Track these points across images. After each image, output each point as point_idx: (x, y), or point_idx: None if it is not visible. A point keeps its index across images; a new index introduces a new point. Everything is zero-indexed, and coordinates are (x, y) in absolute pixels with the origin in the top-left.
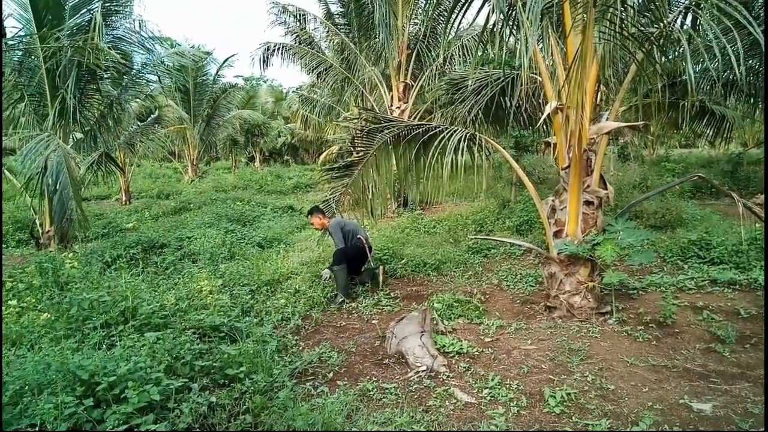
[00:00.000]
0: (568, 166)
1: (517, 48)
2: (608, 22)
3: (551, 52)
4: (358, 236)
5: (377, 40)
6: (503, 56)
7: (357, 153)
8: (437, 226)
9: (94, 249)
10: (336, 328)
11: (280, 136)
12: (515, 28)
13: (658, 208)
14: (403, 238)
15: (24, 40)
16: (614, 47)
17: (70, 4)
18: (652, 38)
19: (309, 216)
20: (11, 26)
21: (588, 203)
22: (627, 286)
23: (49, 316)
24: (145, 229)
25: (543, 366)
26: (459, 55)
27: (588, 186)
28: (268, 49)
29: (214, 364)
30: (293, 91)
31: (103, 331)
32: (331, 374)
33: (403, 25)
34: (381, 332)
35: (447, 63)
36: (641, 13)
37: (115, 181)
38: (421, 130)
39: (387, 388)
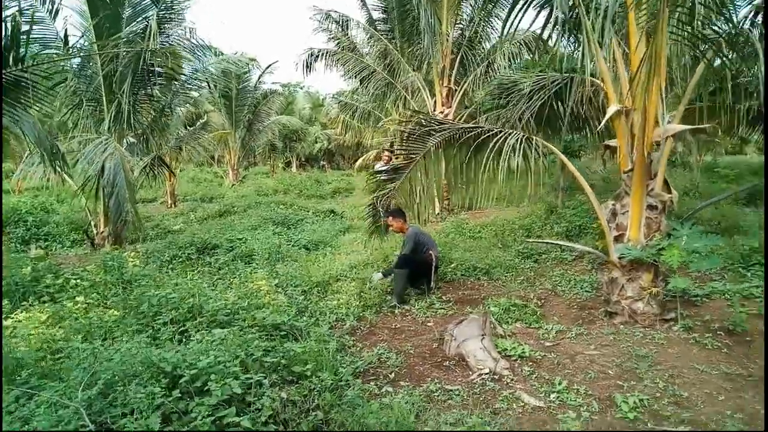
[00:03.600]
0: (631, 170)
1: (573, 50)
2: (677, 21)
3: (612, 54)
4: (430, 252)
5: (420, 45)
6: (563, 59)
7: (404, 156)
8: (482, 231)
9: (150, 249)
10: (391, 329)
11: (317, 142)
12: (576, 29)
13: (713, 216)
14: (449, 242)
15: (84, 47)
16: (682, 47)
17: (126, 14)
18: (723, 37)
19: (389, 217)
20: (72, 34)
21: (651, 207)
22: (689, 293)
23: (115, 312)
24: (191, 232)
25: (609, 372)
26: (505, 59)
27: (652, 189)
28: (312, 55)
29: (281, 361)
30: (332, 97)
31: (173, 327)
32: (393, 375)
33: (448, 31)
34: (438, 334)
35: (491, 68)
36: (709, 8)
37: (162, 184)
38: (473, 133)
39: (451, 390)
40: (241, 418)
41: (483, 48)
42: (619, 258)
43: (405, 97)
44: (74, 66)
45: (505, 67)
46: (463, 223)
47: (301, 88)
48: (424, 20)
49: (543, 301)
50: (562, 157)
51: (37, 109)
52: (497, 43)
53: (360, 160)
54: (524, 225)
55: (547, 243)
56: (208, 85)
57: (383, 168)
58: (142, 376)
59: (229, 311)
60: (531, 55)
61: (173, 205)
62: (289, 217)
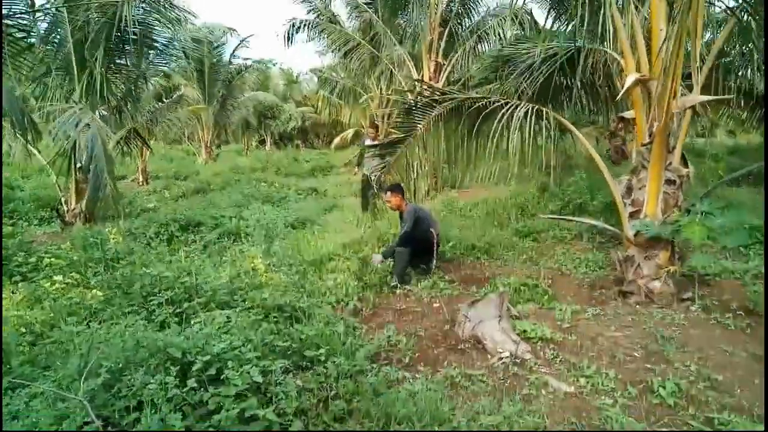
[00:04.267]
0: (650, 142)
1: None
2: None
3: (631, 20)
4: (431, 229)
5: (406, 18)
6: (575, 27)
7: (402, 129)
8: (474, 210)
9: (128, 227)
10: (395, 311)
11: (291, 120)
12: None
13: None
14: (443, 221)
15: (53, 10)
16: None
17: None
18: None
19: (389, 192)
20: None
21: (669, 182)
22: (700, 271)
23: (98, 292)
24: (172, 209)
25: (636, 354)
26: (497, 32)
27: (670, 163)
28: (293, 26)
29: (292, 345)
30: (309, 71)
31: (169, 308)
32: (407, 359)
33: (436, 2)
34: (449, 316)
35: (481, 42)
36: None
37: (134, 160)
38: (479, 104)
39: (473, 375)
40: (265, 410)
41: (472, 20)
42: (635, 235)
43: (391, 71)
44: (41, 31)
45: (499, 40)
46: (453, 202)
47: (274, 65)
48: None
49: (551, 280)
50: (575, 131)
51: (13, 69)
52: (487, 15)
53: (338, 139)
54: (517, 203)
55: (566, 219)
56: (185, 54)
57: (373, 143)
58: (149, 363)
59: (227, 291)
60: (522, 30)
61: (145, 183)
62: (272, 194)
